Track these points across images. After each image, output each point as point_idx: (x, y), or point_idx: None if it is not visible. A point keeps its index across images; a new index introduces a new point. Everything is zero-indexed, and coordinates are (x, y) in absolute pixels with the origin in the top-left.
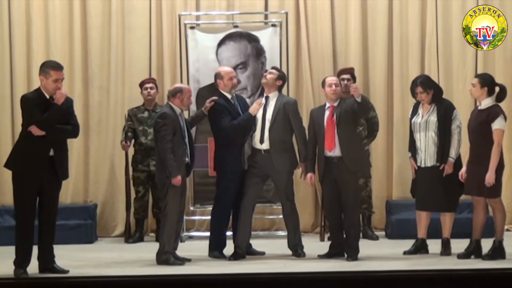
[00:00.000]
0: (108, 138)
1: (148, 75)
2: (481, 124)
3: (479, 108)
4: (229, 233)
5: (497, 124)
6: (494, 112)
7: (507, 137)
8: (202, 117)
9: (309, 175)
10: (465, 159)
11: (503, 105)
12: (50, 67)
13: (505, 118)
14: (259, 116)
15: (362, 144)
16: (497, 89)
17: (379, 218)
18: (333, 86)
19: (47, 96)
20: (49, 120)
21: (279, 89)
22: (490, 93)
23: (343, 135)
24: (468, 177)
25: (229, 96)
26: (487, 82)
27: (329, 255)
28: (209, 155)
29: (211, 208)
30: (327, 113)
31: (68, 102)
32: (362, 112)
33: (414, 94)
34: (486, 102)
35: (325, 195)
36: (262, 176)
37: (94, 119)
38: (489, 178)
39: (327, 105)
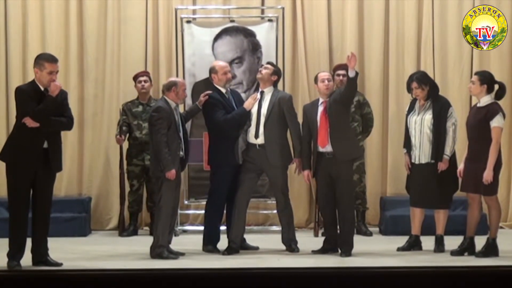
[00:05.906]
0: (103, 131)
1: (143, 68)
2: (480, 122)
3: (478, 105)
4: (223, 227)
5: (496, 122)
6: (492, 110)
7: (505, 135)
8: (197, 111)
9: (305, 172)
10: (462, 156)
11: (501, 102)
12: (44, 59)
13: (504, 116)
14: (254, 111)
15: (353, 133)
16: (496, 86)
17: (373, 214)
18: (326, 81)
19: (42, 88)
20: (43, 111)
21: (274, 84)
22: (489, 90)
23: (334, 127)
24: (465, 174)
25: (223, 90)
26: (486, 79)
27: (323, 251)
28: (204, 149)
29: (205, 202)
30: (320, 108)
31: (63, 94)
32: (349, 90)
33: (409, 89)
34: (485, 100)
35: (319, 190)
36: (256, 170)
37: (89, 112)
38: (487, 175)
39: (320, 100)
